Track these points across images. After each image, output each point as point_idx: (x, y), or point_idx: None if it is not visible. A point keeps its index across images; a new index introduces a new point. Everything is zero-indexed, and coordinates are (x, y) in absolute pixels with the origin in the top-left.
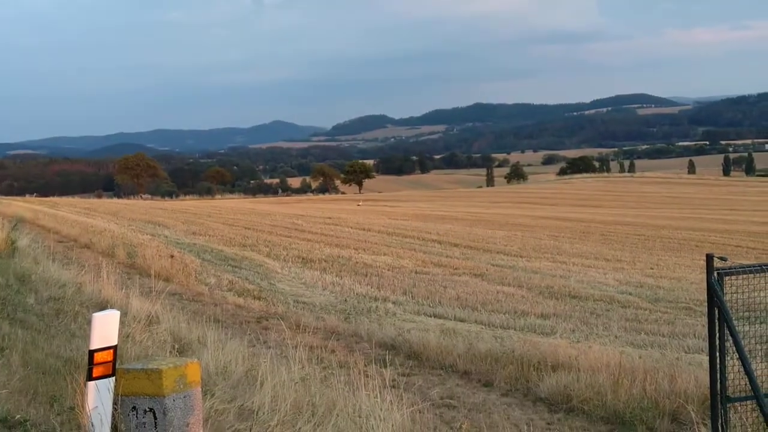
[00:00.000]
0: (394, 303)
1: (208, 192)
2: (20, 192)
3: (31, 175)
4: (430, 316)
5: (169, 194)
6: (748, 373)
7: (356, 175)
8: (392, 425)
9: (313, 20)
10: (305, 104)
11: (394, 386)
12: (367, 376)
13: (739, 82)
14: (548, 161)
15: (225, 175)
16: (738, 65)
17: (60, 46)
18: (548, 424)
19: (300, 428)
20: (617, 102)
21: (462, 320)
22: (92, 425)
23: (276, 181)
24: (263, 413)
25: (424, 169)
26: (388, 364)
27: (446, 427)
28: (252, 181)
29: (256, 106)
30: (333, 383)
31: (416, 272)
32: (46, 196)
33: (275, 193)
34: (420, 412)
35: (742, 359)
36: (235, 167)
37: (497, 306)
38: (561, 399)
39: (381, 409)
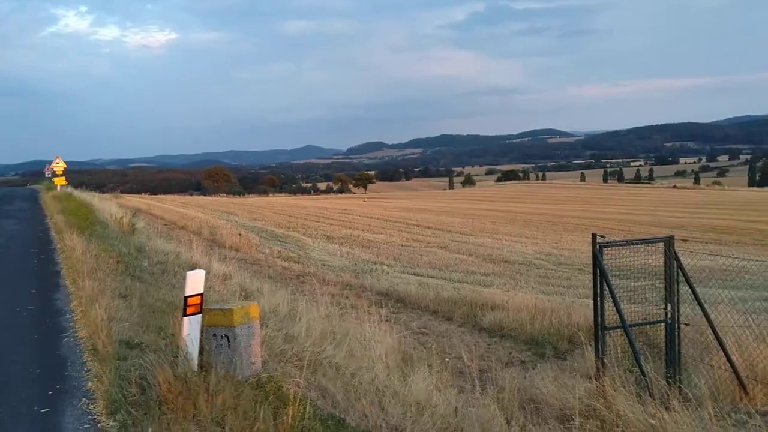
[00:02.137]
0: (387, 266)
1: (264, 192)
2: (137, 192)
3: (145, 180)
4: (411, 275)
5: (238, 194)
6: (618, 311)
7: (363, 181)
8: (386, 345)
9: (334, 78)
10: (329, 133)
11: (387, 320)
12: (370, 314)
13: (614, 121)
14: (489, 173)
15: (275, 181)
16: (613, 109)
17: (166, 91)
18: (488, 345)
19: (325, 348)
20: (534, 134)
21: (432, 277)
22: (186, 345)
23: (309, 185)
24: (300, 338)
25: (408, 178)
26: (383, 306)
27: (421, 347)
28: (293, 185)
29: (295, 134)
30: (347, 318)
31: (402, 245)
32: (155, 194)
33: (309, 193)
34: (404, 337)
35: (614, 302)
36: (282, 176)
37: (456, 267)
38: (497, 329)
39: (378, 335)
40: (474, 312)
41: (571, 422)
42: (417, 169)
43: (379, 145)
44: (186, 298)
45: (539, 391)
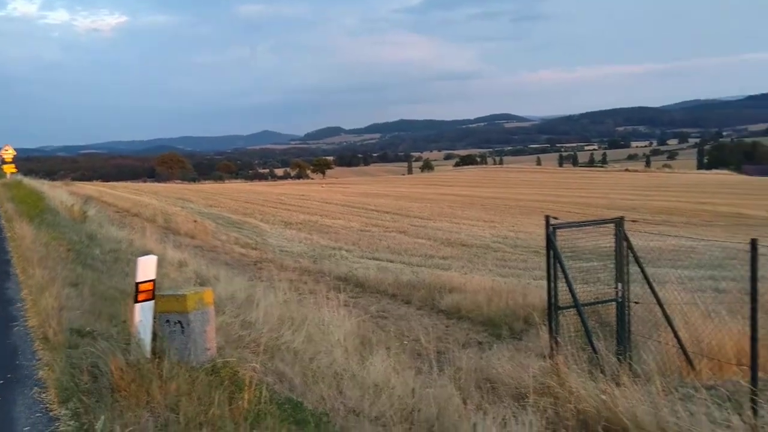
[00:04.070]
0: (346, 251)
1: (220, 178)
2: (89, 179)
3: (96, 167)
4: (371, 259)
5: (193, 180)
6: (571, 291)
7: (321, 167)
8: (344, 330)
9: (291, 62)
10: (286, 118)
11: (346, 305)
12: (328, 299)
13: (568, 105)
14: (447, 158)
15: (231, 167)
16: (567, 94)
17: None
18: (446, 327)
19: (283, 333)
20: (491, 119)
21: (391, 261)
22: (138, 332)
23: (267, 171)
24: (258, 324)
25: (366, 163)
26: (342, 291)
27: (380, 330)
28: (250, 171)
29: (251, 119)
30: (305, 303)
31: (361, 230)
32: (107, 181)
33: (266, 179)
34: (363, 321)
35: (567, 282)
36: (238, 162)
37: (414, 252)
38: (454, 311)
39: (337, 319)
40: (432, 295)
41: (526, 400)
42: (376, 155)
43: (337, 131)
44: (137, 284)
45: (495, 371)
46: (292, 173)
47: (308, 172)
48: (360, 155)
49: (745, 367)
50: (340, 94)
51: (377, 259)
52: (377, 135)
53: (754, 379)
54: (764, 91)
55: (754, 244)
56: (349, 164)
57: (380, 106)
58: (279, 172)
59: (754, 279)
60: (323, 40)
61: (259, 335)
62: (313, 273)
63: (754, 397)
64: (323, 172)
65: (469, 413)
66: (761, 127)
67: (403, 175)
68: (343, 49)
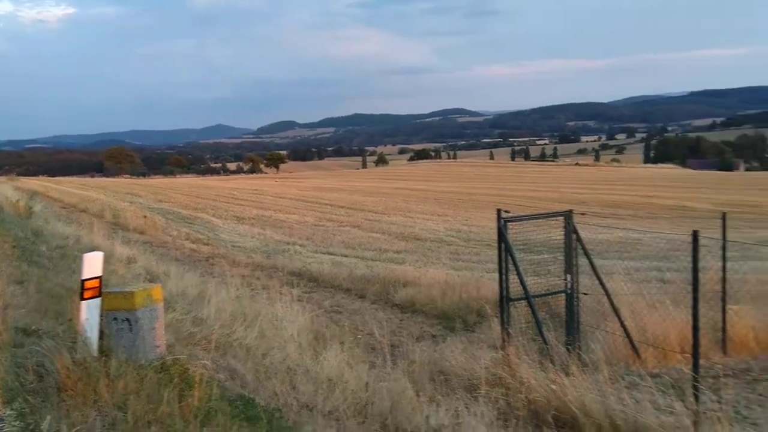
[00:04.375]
0: (300, 246)
1: (171, 173)
2: (34, 174)
3: (42, 162)
4: (325, 254)
5: (143, 175)
6: (522, 283)
7: (275, 161)
8: (298, 325)
9: (244, 55)
10: (239, 112)
11: (299, 300)
12: (282, 294)
13: (520, 100)
14: (402, 152)
15: (182, 161)
16: (519, 89)
17: (64, 68)
18: (401, 320)
19: (235, 329)
20: (445, 113)
21: (346, 256)
22: (85, 330)
23: (219, 165)
24: (210, 320)
25: (321, 157)
26: (296, 286)
27: (334, 325)
28: (202, 166)
29: (204, 113)
30: (258, 299)
31: (315, 225)
32: (53, 176)
33: (219, 173)
34: (317, 316)
35: (519, 274)
36: (189, 156)
37: (369, 246)
38: (409, 305)
39: (291, 315)
40: (387, 289)
41: (478, 391)
42: (330, 149)
43: (291, 125)
44: (83, 281)
45: (448, 363)
46: (246, 168)
47: (262, 166)
48: (314, 149)
49: (687, 355)
50: (294, 87)
51: (331, 254)
52: (331, 129)
53: (695, 367)
54: (707, 88)
55: (695, 235)
56: (303, 159)
57: (334, 100)
58: (232, 166)
59: (695, 269)
60: (278, 33)
61: (211, 332)
62: (266, 268)
63: (695, 384)
64: (277, 167)
65: (422, 405)
66: (705, 122)
67: (358, 169)
68: (297, 43)
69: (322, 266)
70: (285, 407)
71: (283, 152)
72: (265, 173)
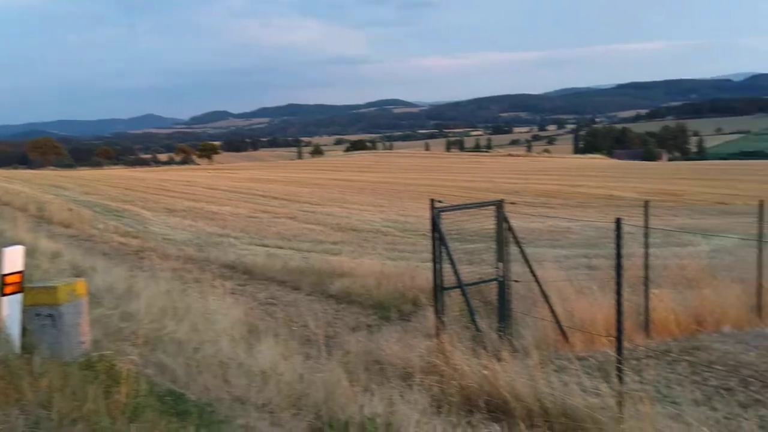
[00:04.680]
0: (234, 238)
1: (98, 165)
2: None
3: None
4: (259, 246)
5: (69, 166)
6: (455, 272)
7: (207, 152)
8: (231, 318)
9: (174, 43)
10: (169, 101)
11: (233, 293)
12: (215, 287)
13: (455, 92)
14: (338, 142)
15: (110, 152)
16: (454, 80)
17: None
18: (336, 311)
19: (166, 324)
20: (381, 104)
21: (281, 248)
22: (6, 327)
23: (149, 156)
24: (139, 315)
25: (255, 148)
26: (229, 279)
27: (269, 317)
28: (131, 157)
29: (132, 102)
30: (190, 293)
31: (249, 217)
32: None
33: (149, 165)
34: (251, 309)
35: (452, 263)
36: (118, 147)
37: (304, 237)
38: (344, 295)
39: (224, 308)
40: (322, 280)
41: (413, 379)
42: (265, 139)
43: (224, 114)
44: (3, 276)
45: (383, 352)
46: (177, 159)
47: (194, 157)
48: (248, 140)
49: (613, 339)
50: (227, 76)
51: (266, 246)
52: (266, 119)
53: (619, 349)
54: (632, 80)
55: (618, 222)
56: (237, 149)
57: (269, 90)
58: (163, 157)
59: (618, 256)
60: (209, 20)
61: (140, 327)
62: (198, 261)
63: (619, 366)
64: (210, 158)
65: (356, 395)
66: (630, 113)
67: (293, 160)
68: (230, 31)
69: (256, 258)
70: (217, 401)
71: (217, 143)
72: (198, 164)
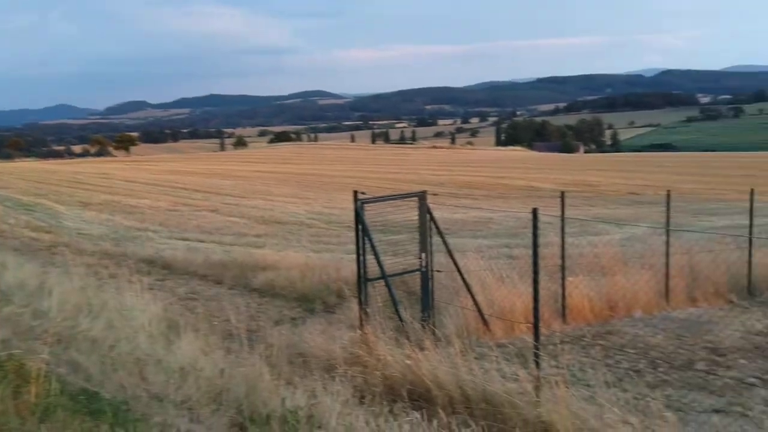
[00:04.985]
0: (153, 232)
1: (9, 157)
2: None
3: None
4: (179, 240)
5: None
6: (379, 263)
7: (125, 144)
8: (149, 314)
9: (88, 31)
10: (84, 91)
11: (151, 288)
12: (132, 283)
13: (380, 84)
14: (262, 134)
15: (21, 143)
16: (379, 73)
17: None
18: (259, 305)
19: (80, 321)
20: (305, 95)
21: (202, 241)
22: None
23: (63, 148)
24: (52, 313)
25: (176, 140)
26: (147, 274)
27: (189, 312)
28: (44, 148)
29: (44, 92)
30: (106, 289)
31: (169, 210)
32: None
33: (62, 157)
34: (171, 304)
35: (375, 255)
36: (29, 138)
37: (227, 231)
38: (268, 288)
39: (141, 304)
40: (245, 274)
41: (336, 370)
42: (185, 131)
43: (141, 105)
44: None
45: (307, 345)
46: (92, 150)
47: (110, 149)
48: (168, 131)
49: (531, 325)
50: (145, 65)
51: (186, 240)
52: (186, 110)
53: (536, 335)
54: (551, 75)
55: (535, 212)
56: (156, 141)
57: (189, 80)
58: (77, 149)
59: (535, 244)
60: (126, 8)
61: (52, 325)
62: (114, 256)
63: (536, 352)
64: (127, 149)
65: (279, 389)
66: (549, 107)
67: (216, 152)
68: (147, 19)
69: (176, 252)
70: (133, 399)
71: (134, 134)
72: (115, 156)
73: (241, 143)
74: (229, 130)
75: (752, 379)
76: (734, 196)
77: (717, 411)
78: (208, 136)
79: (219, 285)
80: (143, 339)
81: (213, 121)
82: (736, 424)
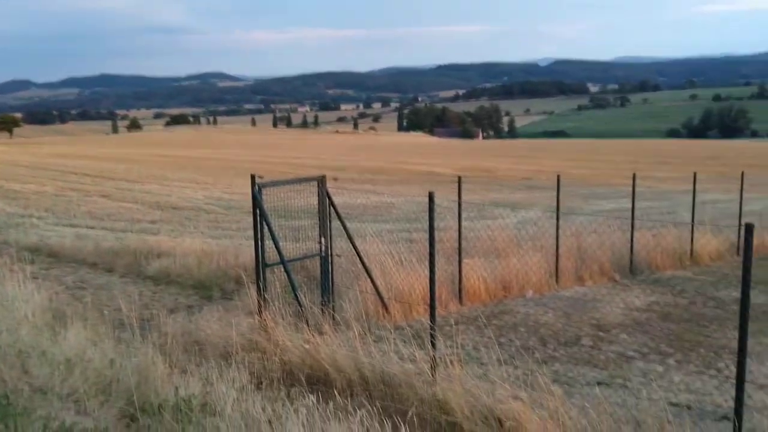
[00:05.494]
0: (38, 218)
1: None
2: None
3: None
4: (67, 226)
5: None
6: (277, 248)
7: (7, 125)
8: (33, 304)
9: None
10: None
11: (36, 277)
12: (13, 272)
13: (282, 67)
14: (158, 116)
15: None
16: (281, 55)
17: None
18: (154, 293)
19: None
20: (204, 77)
21: (92, 228)
22: None
23: None
24: None
25: (64, 121)
26: (32, 262)
27: (77, 302)
28: None
29: None
30: None
31: (56, 195)
32: None
33: None
34: (57, 294)
35: (273, 240)
36: None
37: (119, 217)
38: (163, 276)
39: (24, 294)
40: (138, 261)
41: (233, 357)
42: (74, 112)
43: (25, 84)
44: None
45: (204, 333)
46: None
47: None
48: (55, 112)
49: (428, 307)
50: (29, 42)
51: (75, 226)
52: (75, 90)
53: (432, 317)
54: (452, 62)
55: (431, 196)
56: (42, 122)
57: (78, 59)
58: None
59: (431, 227)
60: None
61: None
62: None
63: (432, 332)
64: (10, 131)
65: (172, 378)
66: (449, 93)
67: (108, 135)
68: None
69: (63, 240)
70: (14, 393)
71: (18, 115)
72: None
73: (135, 126)
74: (122, 112)
75: (632, 353)
76: (620, 181)
77: (600, 383)
78: (99, 118)
79: (110, 273)
80: (26, 330)
81: (104, 102)
82: (616, 394)
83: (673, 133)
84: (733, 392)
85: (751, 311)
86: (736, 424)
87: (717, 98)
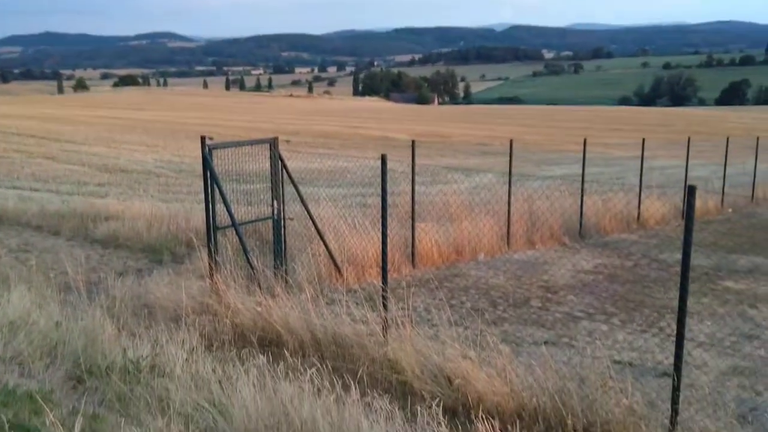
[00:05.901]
0: None
1: None
2: None
3: None
4: (10, 189)
5: None
6: (228, 211)
7: None
8: None
9: None
10: None
11: None
12: None
13: (235, 28)
14: (105, 77)
15: None
16: (234, 16)
17: None
18: (101, 256)
19: None
20: (154, 37)
21: (36, 190)
22: None
23: None
24: None
25: (6, 81)
26: None
27: (22, 265)
28: None
29: None
30: None
31: None
32: None
33: None
34: (0, 257)
35: (225, 203)
36: None
37: (65, 179)
38: (111, 240)
39: None
40: (86, 224)
41: (184, 320)
42: (17, 71)
43: None
44: None
45: (153, 296)
46: None
47: None
48: None
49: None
50: None
51: (18, 188)
52: (18, 48)
53: (384, 279)
54: (408, 25)
55: (383, 158)
56: None
57: (21, 16)
58: None
59: (384, 190)
60: None
61: None
62: None
63: (384, 294)
64: None
65: (121, 340)
66: (405, 58)
67: (53, 95)
68: None
69: (6, 202)
70: None
71: None
72: None
73: (81, 86)
74: (67, 72)
75: (579, 313)
76: (572, 147)
77: (547, 342)
78: (43, 77)
79: (56, 236)
80: None
81: (49, 61)
82: (562, 353)
83: (624, 101)
84: (673, 350)
85: (692, 272)
86: (676, 379)
87: (667, 66)
